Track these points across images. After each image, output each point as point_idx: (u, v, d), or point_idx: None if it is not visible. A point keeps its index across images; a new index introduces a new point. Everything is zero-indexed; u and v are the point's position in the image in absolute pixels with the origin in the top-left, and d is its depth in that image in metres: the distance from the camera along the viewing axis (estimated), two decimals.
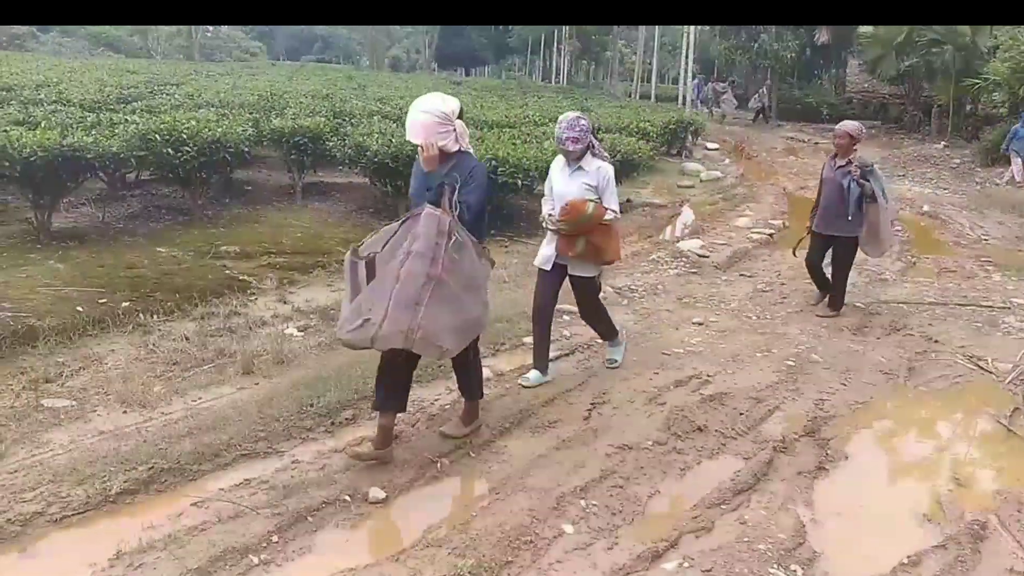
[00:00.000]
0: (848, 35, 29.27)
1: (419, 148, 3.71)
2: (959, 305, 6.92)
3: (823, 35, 29.73)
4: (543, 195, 5.05)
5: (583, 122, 4.60)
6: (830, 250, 6.61)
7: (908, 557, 3.24)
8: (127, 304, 6.01)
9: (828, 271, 6.74)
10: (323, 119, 11.50)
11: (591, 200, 4.63)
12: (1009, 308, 6.84)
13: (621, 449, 4.08)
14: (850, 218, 6.27)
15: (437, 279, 3.41)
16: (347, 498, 3.50)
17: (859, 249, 6.53)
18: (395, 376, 3.82)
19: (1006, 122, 18.11)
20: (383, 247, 3.52)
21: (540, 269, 4.94)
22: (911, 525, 3.54)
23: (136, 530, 3.17)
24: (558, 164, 4.87)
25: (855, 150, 6.40)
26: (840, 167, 6.38)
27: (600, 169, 4.68)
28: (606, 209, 4.66)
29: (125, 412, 4.30)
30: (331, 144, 10.34)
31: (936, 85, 23.28)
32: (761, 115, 28.80)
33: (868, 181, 6.22)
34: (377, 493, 3.52)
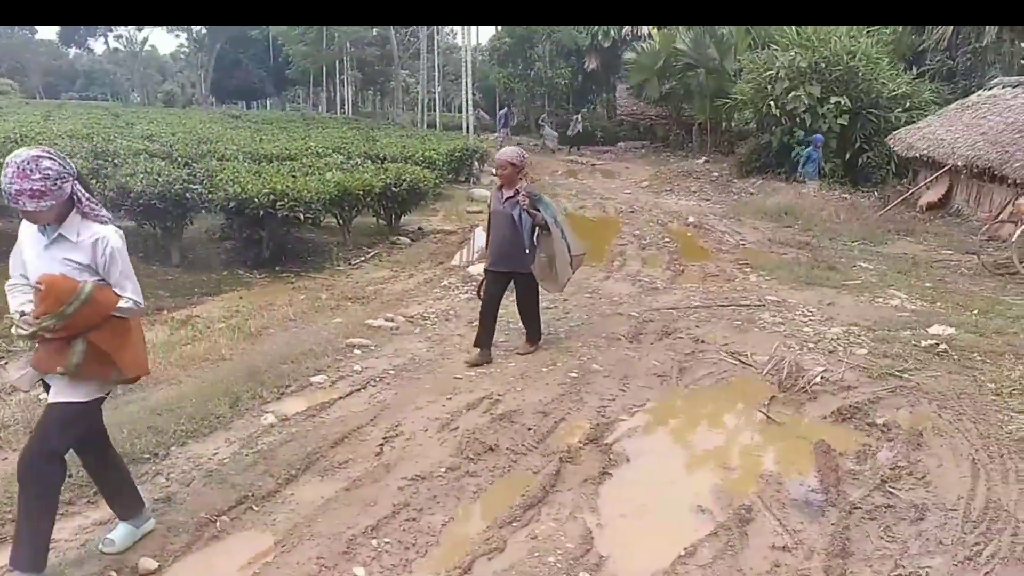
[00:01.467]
0: (615, 61, 31.39)
1: None
2: (721, 306, 7.53)
3: (592, 62, 31.67)
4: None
5: (48, 164, 2.87)
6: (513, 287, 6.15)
7: (685, 549, 3.43)
8: None
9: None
10: (81, 161, 10.61)
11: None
12: (763, 305, 7.53)
13: (414, 480, 4.03)
14: (527, 251, 5.86)
15: None
16: (113, 574, 3.18)
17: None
18: None
19: (755, 136, 20.14)
20: None
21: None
22: (688, 518, 3.75)
23: None
24: (29, 230, 3.09)
25: (521, 179, 5.98)
26: (508, 198, 5.88)
27: (98, 241, 3.02)
28: (119, 296, 3.07)
29: None
30: (90, 187, 9.55)
31: (694, 105, 25.44)
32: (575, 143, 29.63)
33: (539, 210, 5.81)
34: (148, 564, 3.23)
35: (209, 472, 4.05)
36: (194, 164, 11.73)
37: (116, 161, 11.54)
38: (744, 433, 4.89)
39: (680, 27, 25.00)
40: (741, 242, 11.54)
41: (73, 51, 76.47)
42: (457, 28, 48.76)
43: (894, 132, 16.09)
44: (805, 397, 5.23)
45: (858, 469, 4.20)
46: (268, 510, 3.72)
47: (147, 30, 58.87)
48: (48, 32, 75.41)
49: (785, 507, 3.82)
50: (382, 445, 4.45)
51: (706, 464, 4.41)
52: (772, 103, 17.52)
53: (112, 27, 60.19)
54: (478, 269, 9.28)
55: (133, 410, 4.89)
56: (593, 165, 25.30)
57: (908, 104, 17.12)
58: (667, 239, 11.76)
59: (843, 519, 3.68)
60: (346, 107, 46.03)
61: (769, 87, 17.83)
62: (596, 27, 30.89)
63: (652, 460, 4.44)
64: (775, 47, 18.93)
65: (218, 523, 3.58)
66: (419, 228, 12.75)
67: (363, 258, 10.37)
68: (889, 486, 4.00)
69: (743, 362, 5.91)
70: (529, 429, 4.64)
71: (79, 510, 3.72)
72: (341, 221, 10.99)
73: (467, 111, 27.41)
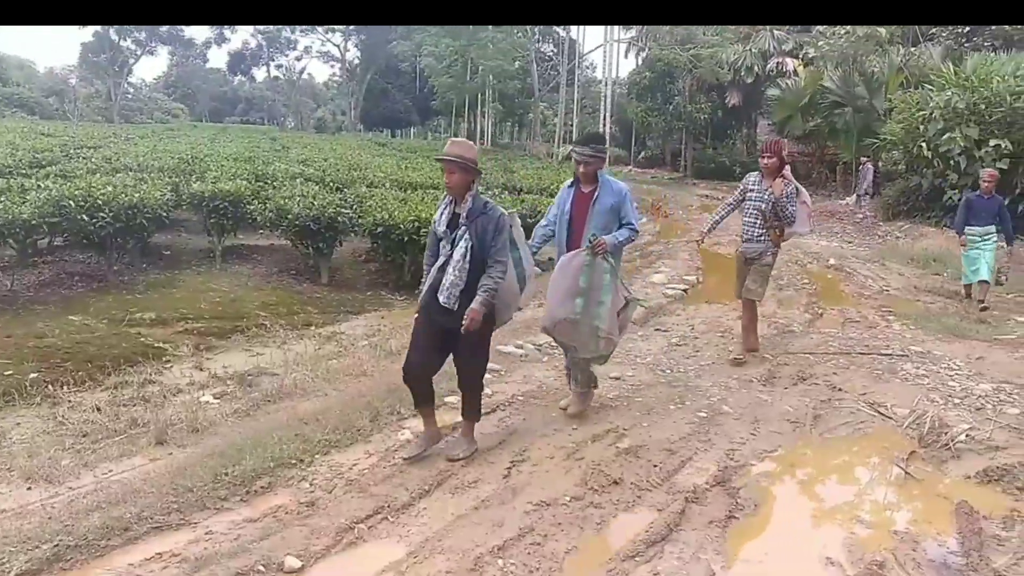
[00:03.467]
0: (757, 97, 30.84)
1: None
2: (861, 354, 7.27)
3: (734, 98, 31.24)
4: None
5: None
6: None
7: None
8: (35, 375, 5.86)
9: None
10: (244, 182, 11.49)
11: None
12: (907, 356, 7.21)
13: (539, 506, 4.13)
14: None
15: None
16: (262, 568, 3.44)
17: None
18: None
19: (904, 178, 19.26)
20: None
21: None
22: (816, 569, 3.66)
23: None
24: None
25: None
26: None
27: None
28: None
29: (30, 488, 4.17)
30: (252, 207, 10.33)
31: (839, 144, 24.62)
32: None
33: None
34: (293, 562, 3.48)
35: (350, 481, 4.31)
36: (345, 189, 12.45)
37: (274, 183, 12.40)
38: (879, 487, 4.71)
39: (828, 64, 24.33)
40: (885, 288, 11.06)
41: (238, 78, 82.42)
42: (598, 62, 49.18)
43: None
44: (948, 455, 4.98)
45: (1004, 535, 3.97)
46: (402, 522, 3.92)
47: (305, 60, 62.84)
48: (218, 61, 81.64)
49: (921, 567, 3.66)
50: (509, 468, 4.58)
51: (837, 516, 4.28)
52: (924, 144, 16.72)
53: (274, 57, 64.54)
54: None
55: (282, 418, 5.27)
56: None
57: None
58: (805, 281, 11.44)
59: None
60: (485, 138, 47.30)
61: (921, 127, 17.04)
62: (740, 63, 30.48)
63: (781, 508, 4.36)
64: (929, 86, 18.10)
65: (356, 530, 3.80)
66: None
67: None
68: None
69: (882, 414, 5.70)
70: (655, 466, 4.66)
71: (232, 506, 4.04)
72: None
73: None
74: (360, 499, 4.10)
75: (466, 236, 4.43)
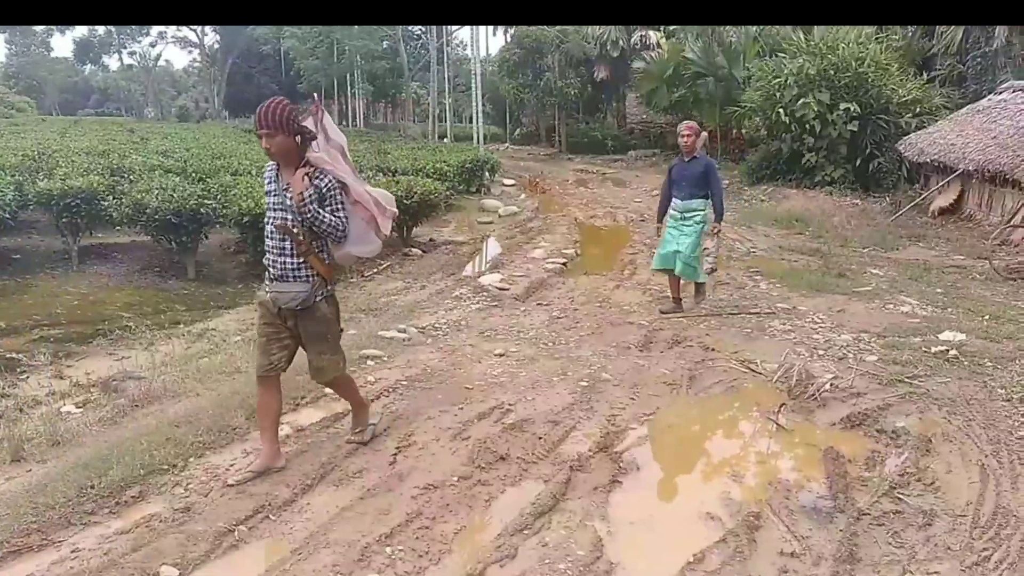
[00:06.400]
0: (624, 71, 31.48)
1: None
2: (731, 314, 7.57)
3: (601, 71, 31.78)
4: None
5: None
6: None
7: (694, 555, 3.47)
8: None
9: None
10: (98, 177, 10.83)
11: None
12: (774, 313, 7.56)
13: (427, 489, 4.08)
14: None
15: None
16: None
17: None
18: None
19: (766, 143, 20.17)
20: None
21: None
22: (697, 525, 3.79)
23: None
24: None
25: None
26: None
27: None
28: None
29: None
30: (107, 204, 9.74)
31: (704, 113, 25.48)
32: None
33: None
34: (169, 571, 3.31)
35: (228, 482, 4.12)
36: (208, 179, 11.92)
37: (131, 177, 11.74)
38: (753, 441, 4.92)
39: (688, 36, 25.08)
40: (752, 250, 11.56)
41: (88, 68, 77.37)
42: (467, 39, 49.06)
43: (905, 138, 16.11)
44: (815, 404, 5.26)
45: (867, 475, 4.23)
46: (285, 519, 3.79)
47: (160, 46, 59.82)
48: (63, 50, 76.42)
49: (794, 514, 3.85)
50: (395, 455, 4.51)
51: (715, 472, 4.45)
52: (781, 110, 17.54)
53: (126, 44, 61.00)
54: (489, 279, 9.37)
55: (151, 423, 4.99)
56: (604, 174, 25.37)
57: (918, 109, 17.12)
58: None
59: (851, 525, 3.71)
60: (357, 120, 46.35)
61: (778, 94, 17.85)
62: (605, 37, 31.01)
63: (662, 468, 4.49)
64: (783, 55, 18.96)
65: (236, 532, 3.65)
66: (431, 239, 12.86)
67: (376, 270, 10.47)
68: (898, 492, 4.02)
69: (753, 370, 5.95)
70: (540, 438, 4.69)
71: (100, 519, 3.80)
72: None
73: (478, 122, 27.53)
74: (239, 500, 3.93)
75: None
